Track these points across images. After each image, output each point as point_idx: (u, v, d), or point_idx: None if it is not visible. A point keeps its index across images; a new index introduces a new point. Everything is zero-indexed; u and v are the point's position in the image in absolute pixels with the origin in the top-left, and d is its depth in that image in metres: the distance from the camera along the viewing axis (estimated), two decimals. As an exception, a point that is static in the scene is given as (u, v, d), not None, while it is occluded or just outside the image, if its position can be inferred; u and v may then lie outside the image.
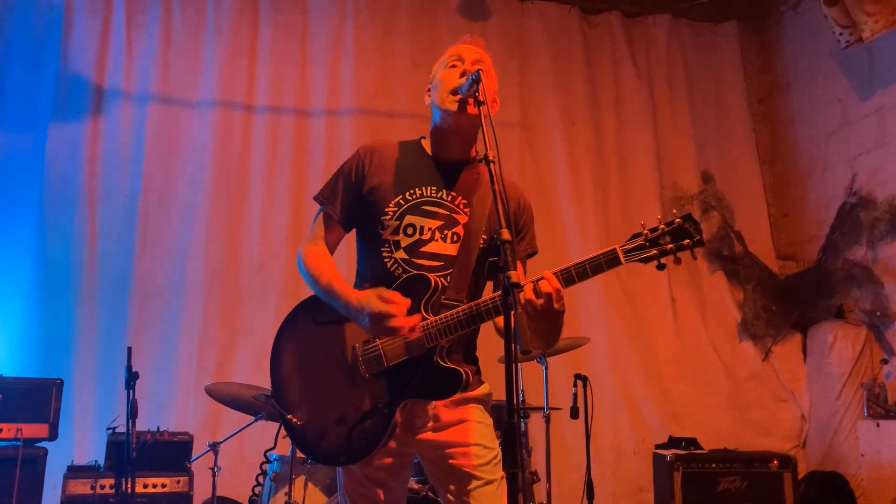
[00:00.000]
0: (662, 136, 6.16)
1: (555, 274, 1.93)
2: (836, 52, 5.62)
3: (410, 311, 2.02)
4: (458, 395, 2.14)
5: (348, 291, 2.10)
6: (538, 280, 1.92)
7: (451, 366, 2.06)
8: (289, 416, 2.17)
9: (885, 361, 5.24)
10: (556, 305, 1.90)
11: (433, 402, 2.13)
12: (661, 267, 1.94)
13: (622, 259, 1.93)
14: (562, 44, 6.13)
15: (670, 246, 1.91)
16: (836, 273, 5.66)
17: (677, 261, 1.94)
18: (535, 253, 2.31)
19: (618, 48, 6.24)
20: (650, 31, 6.36)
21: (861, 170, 5.56)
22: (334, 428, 2.10)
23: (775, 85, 6.53)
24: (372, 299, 2.00)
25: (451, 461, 2.11)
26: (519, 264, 2.25)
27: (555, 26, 6.14)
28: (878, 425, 5.04)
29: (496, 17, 6.03)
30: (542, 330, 2.01)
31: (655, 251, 1.92)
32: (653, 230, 1.93)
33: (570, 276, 1.94)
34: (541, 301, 1.89)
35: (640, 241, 1.93)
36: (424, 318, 2.05)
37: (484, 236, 2.16)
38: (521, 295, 1.75)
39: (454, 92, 2.15)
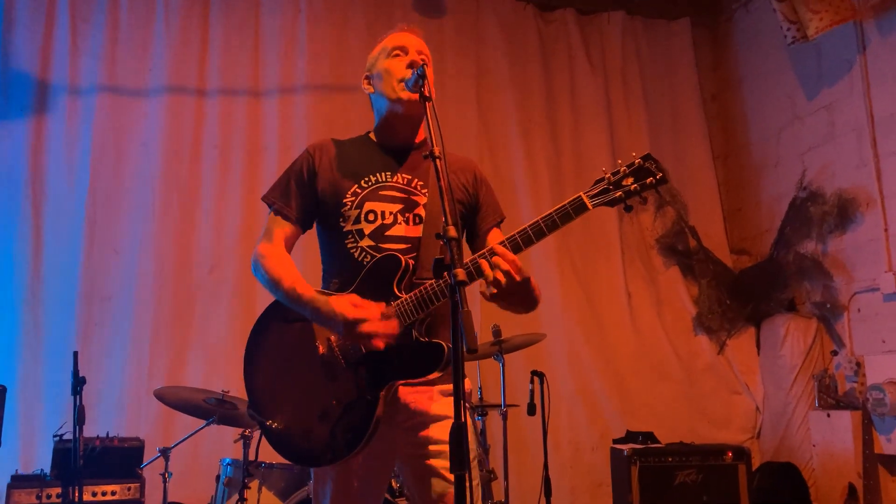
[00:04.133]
0: (617, 132, 6.20)
1: (517, 235, 1.93)
2: (787, 49, 5.71)
3: (383, 293, 2.02)
4: (445, 387, 2.10)
5: (315, 297, 2.05)
6: (491, 257, 1.90)
7: (431, 339, 2.02)
8: (268, 422, 2.11)
9: (834, 353, 5.35)
10: (516, 277, 1.88)
11: (415, 395, 2.08)
12: (628, 209, 1.94)
13: (588, 204, 1.93)
14: (517, 40, 6.12)
15: (634, 186, 1.91)
16: (787, 266, 5.75)
17: (643, 201, 1.94)
18: (503, 219, 2.30)
19: (573, 44, 6.26)
20: (605, 27, 6.39)
21: (811, 164, 5.66)
22: (317, 426, 2.05)
23: (728, 81, 6.62)
24: (345, 306, 1.96)
25: (427, 461, 2.06)
26: (497, 230, 2.26)
27: (510, 22, 6.14)
28: (828, 416, 5.14)
29: (452, 13, 5.98)
30: (513, 302, 2.01)
31: (620, 193, 1.92)
32: (615, 173, 1.94)
33: (540, 230, 1.94)
34: (503, 279, 1.87)
35: (603, 185, 1.94)
36: (398, 298, 2.02)
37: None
38: (486, 265, 1.72)
39: (405, 83, 2.14)
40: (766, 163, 6.13)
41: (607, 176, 1.94)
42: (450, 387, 2.08)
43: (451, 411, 2.04)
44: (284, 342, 2.15)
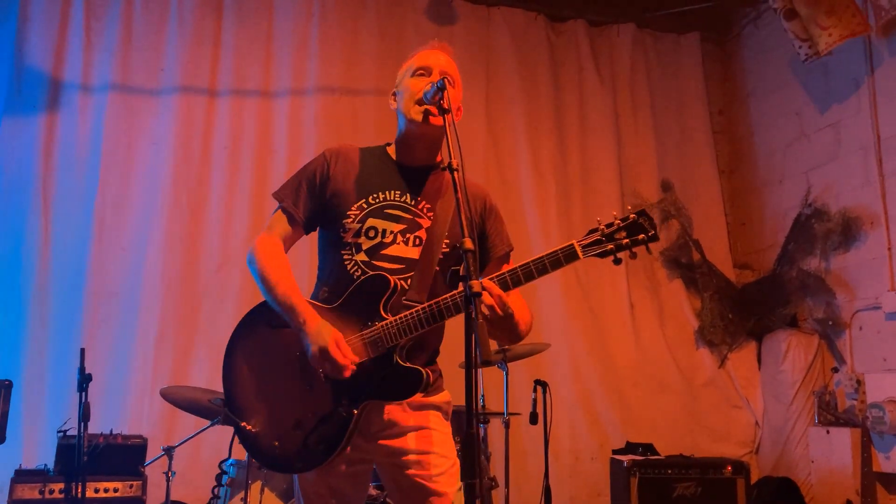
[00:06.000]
0: (624, 144, 6.23)
1: (507, 274, 1.98)
2: (795, 66, 5.75)
3: (369, 312, 2.05)
4: (417, 400, 2.12)
5: (308, 312, 2.06)
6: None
7: (411, 365, 2.04)
8: (242, 423, 2.13)
9: (835, 370, 5.37)
10: (499, 312, 1.93)
11: (389, 407, 2.11)
12: (616, 262, 2.00)
13: (580, 254, 1.98)
14: (527, 50, 6.16)
15: (626, 241, 1.97)
16: (790, 282, 5.78)
17: (633, 255, 1.99)
18: (511, 250, 2.32)
19: (582, 56, 6.30)
20: (614, 40, 6.42)
21: (816, 182, 5.69)
22: (290, 434, 2.07)
23: (735, 96, 6.65)
24: (330, 339, 1.98)
25: (406, 471, 2.09)
26: (502, 260, 2.28)
27: (520, 33, 6.17)
28: (827, 432, 5.16)
29: (462, 22, 6.04)
30: (500, 333, 2.08)
31: (612, 246, 1.98)
32: (608, 226, 1.99)
33: (530, 272, 1.99)
34: (488, 313, 1.92)
35: (596, 236, 1.99)
36: (383, 319, 2.04)
37: (447, 241, 2.16)
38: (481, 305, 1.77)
39: (419, 102, 2.15)
40: (772, 178, 6.15)
41: (601, 227, 1.99)
42: (428, 399, 2.15)
43: (427, 422, 2.13)
44: (267, 347, 2.16)
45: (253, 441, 2.13)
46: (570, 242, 1.98)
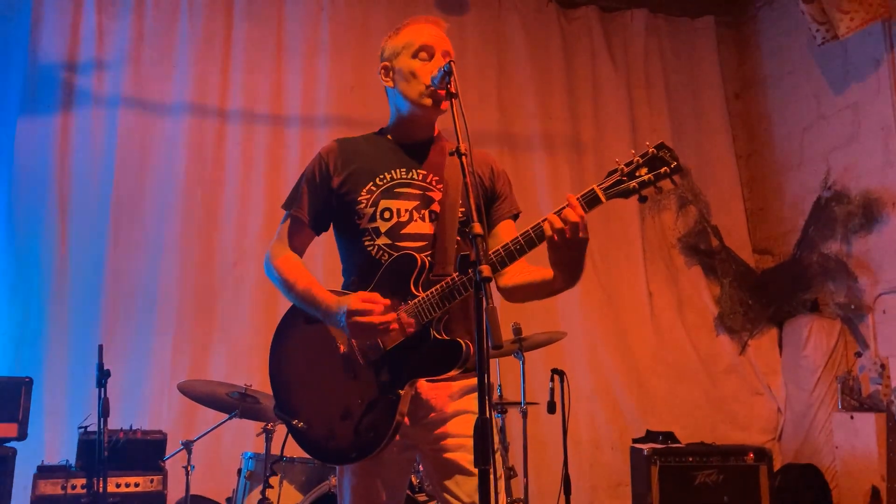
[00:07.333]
0: (639, 130, 6.17)
1: (531, 231, 1.91)
2: (812, 48, 5.66)
3: (401, 292, 2.02)
4: (464, 384, 2.11)
5: (327, 296, 2.08)
6: (564, 207, 1.87)
7: (449, 338, 2.01)
8: (294, 422, 2.14)
9: (858, 354, 5.29)
10: (581, 234, 1.86)
11: (434, 394, 2.09)
12: (642, 200, 1.89)
13: (602, 197, 1.87)
14: (539, 37, 6.11)
15: (649, 176, 1.85)
16: (811, 267, 5.70)
17: (658, 191, 1.88)
18: (518, 213, 2.28)
19: (595, 42, 6.24)
20: (627, 25, 6.36)
21: (835, 164, 5.60)
22: (340, 424, 2.07)
23: (752, 80, 6.56)
24: (350, 298, 2.00)
25: (445, 455, 2.06)
26: (510, 222, 2.25)
27: (532, 20, 6.13)
28: (851, 418, 5.09)
29: (474, 10, 6.00)
30: (567, 262, 1.97)
31: (635, 184, 1.86)
32: (628, 164, 1.88)
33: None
34: (567, 228, 1.85)
35: (616, 176, 1.88)
36: (415, 297, 2.02)
37: (462, 209, 2.14)
38: (548, 224, 1.70)
39: (428, 91, 2.14)
40: (790, 162, 6.07)
41: (621, 167, 1.88)
42: (469, 382, 2.12)
43: (469, 406, 2.08)
44: (307, 342, 2.17)
45: (306, 437, 2.14)
46: (590, 187, 1.89)
